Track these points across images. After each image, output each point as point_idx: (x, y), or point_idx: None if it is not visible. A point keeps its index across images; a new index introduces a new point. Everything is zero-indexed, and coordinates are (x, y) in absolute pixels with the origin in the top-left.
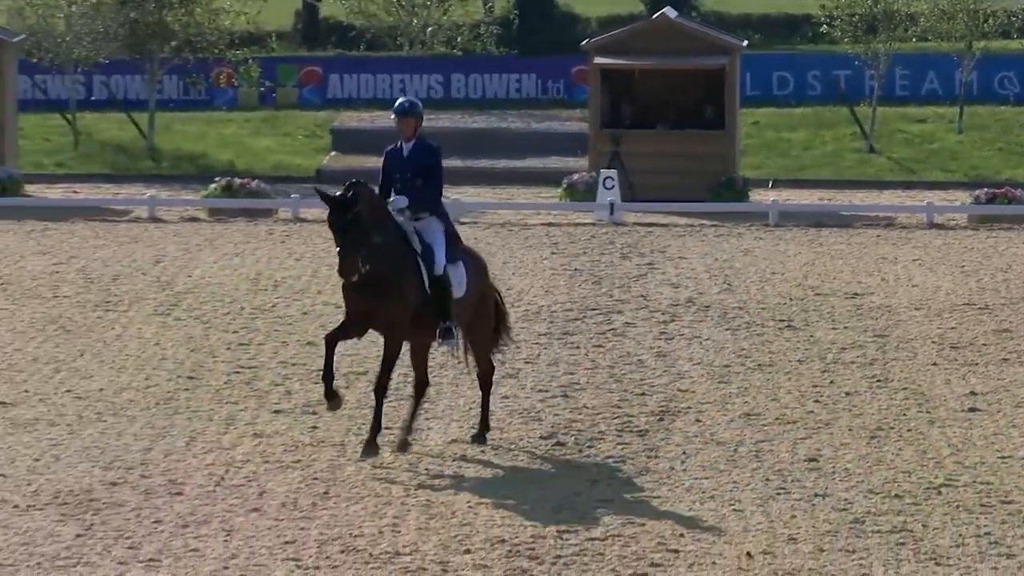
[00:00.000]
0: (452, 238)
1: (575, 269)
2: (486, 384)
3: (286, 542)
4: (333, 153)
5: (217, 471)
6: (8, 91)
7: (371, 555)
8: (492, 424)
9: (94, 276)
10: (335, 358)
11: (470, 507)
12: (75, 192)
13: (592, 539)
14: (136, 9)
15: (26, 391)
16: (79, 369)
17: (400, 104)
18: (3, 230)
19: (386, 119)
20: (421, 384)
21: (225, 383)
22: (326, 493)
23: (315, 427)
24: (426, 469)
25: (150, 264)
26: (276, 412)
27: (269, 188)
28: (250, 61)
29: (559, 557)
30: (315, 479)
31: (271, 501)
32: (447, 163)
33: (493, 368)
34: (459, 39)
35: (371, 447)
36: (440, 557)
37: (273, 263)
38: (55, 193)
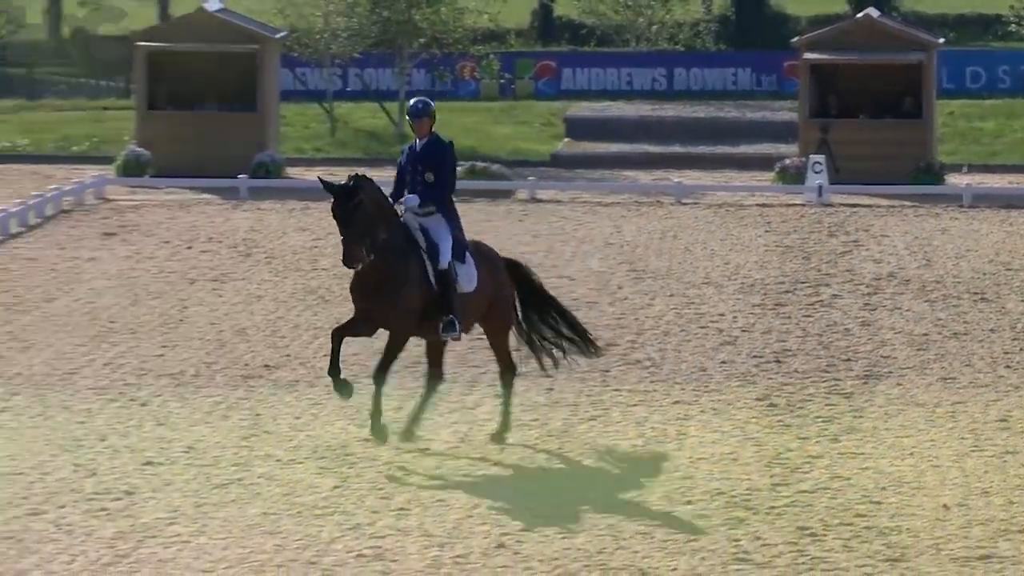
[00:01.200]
0: (459, 235)
1: (786, 246)
2: (507, 383)
3: (524, 493)
4: (566, 140)
5: (461, 429)
6: (271, 83)
7: (602, 506)
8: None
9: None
10: (340, 354)
11: (691, 462)
12: (332, 174)
13: (802, 492)
14: (388, 8)
15: (288, 355)
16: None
17: (414, 106)
18: (267, 209)
19: (615, 109)
20: (435, 378)
21: (468, 349)
22: (560, 449)
23: (550, 389)
24: (652, 428)
25: None
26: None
27: (508, 171)
28: (491, 56)
29: (772, 508)
30: (550, 436)
31: (510, 457)
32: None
33: (514, 366)
34: (681, 36)
35: (376, 429)
36: (664, 507)
37: (512, 240)
38: (314, 175)
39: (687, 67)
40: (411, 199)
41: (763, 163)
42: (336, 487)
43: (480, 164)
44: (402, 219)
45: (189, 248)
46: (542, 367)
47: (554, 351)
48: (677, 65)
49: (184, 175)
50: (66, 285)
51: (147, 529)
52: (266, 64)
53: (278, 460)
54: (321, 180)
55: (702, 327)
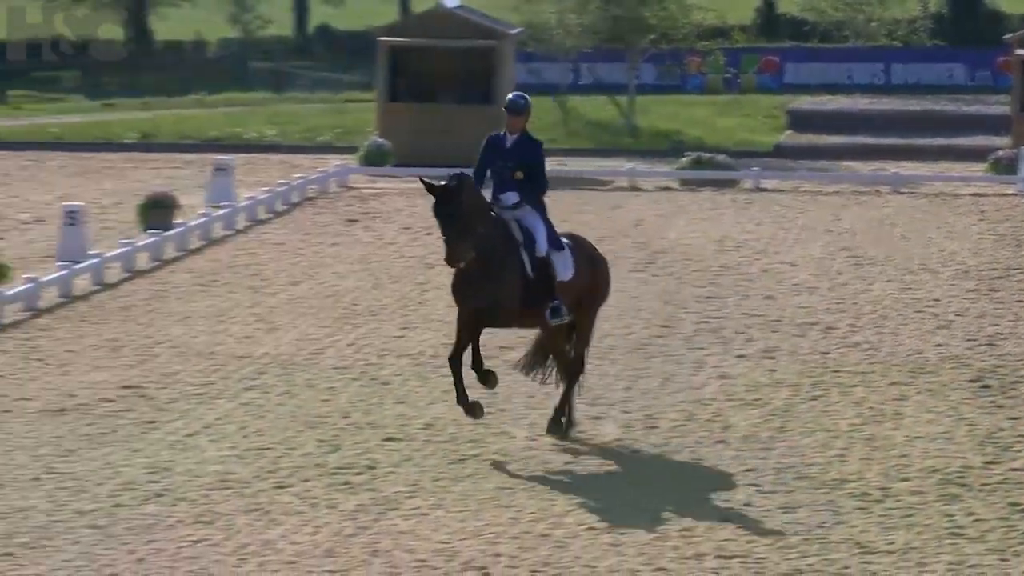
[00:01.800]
0: (550, 227)
1: (999, 234)
2: (571, 375)
3: (747, 470)
4: (788, 132)
5: (687, 408)
6: (507, 77)
7: (821, 482)
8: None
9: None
10: (463, 377)
11: (907, 441)
12: (564, 164)
13: (1014, 469)
14: (619, 6)
15: (522, 336)
16: None
17: (515, 100)
18: None
19: (836, 102)
20: (568, 370)
21: (694, 331)
22: (782, 428)
23: (773, 370)
24: (869, 408)
25: (629, 227)
26: (739, 356)
27: (733, 161)
28: (717, 51)
29: (985, 485)
30: (772, 415)
31: (734, 434)
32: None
33: (582, 362)
34: (898, 32)
35: (470, 409)
36: (881, 484)
37: (736, 227)
38: (547, 165)
39: (904, 62)
40: (509, 196)
41: (977, 155)
42: (568, 463)
43: (706, 155)
44: (497, 213)
45: (428, 234)
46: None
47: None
48: (895, 60)
49: (423, 164)
50: (311, 269)
51: (388, 502)
52: (502, 59)
53: (513, 437)
54: (422, 180)
55: (918, 311)
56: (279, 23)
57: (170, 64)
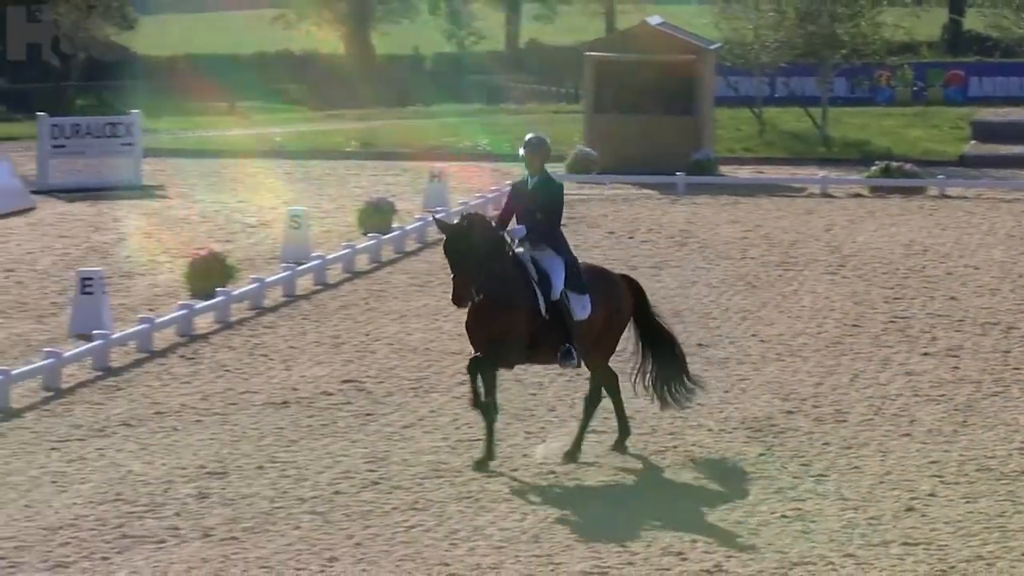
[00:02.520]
0: (574, 267)
1: None
2: (612, 391)
3: (931, 462)
4: (972, 142)
5: (875, 403)
6: (707, 90)
7: (1002, 473)
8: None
9: (775, 241)
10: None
11: None
12: (760, 172)
13: None
14: (813, 23)
15: (719, 335)
16: (762, 317)
17: (530, 140)
18: (701, 203)
19: (1018, 114)
20: (605, 386)
21: (882, 330)
22: (964, 422)
23: (956, 367)
24: None
25: (821, 232)
26: (924, 354)
27: (919, 170)
28: (905, 66)
29: None
30: (956, 410)
31: (919, 428)
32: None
33: (614, 375)
34: None
35: (484, 461)
36: None
37: (923, 232)
38: (744, 172)
39: None
40: (518, 230)
41: None
42: (761, 455)
43: (894, 164)
44: (513, 252)
45: (631, 238)
46: (635, 392)
47: (648, 384)
48: None
49: (627, 172)
50: None
51: (591, 491)
52: (702, 72)
53: (709, 430)
54: (435, 219)
55: None
56: (492, 39)
57: (389, 77)
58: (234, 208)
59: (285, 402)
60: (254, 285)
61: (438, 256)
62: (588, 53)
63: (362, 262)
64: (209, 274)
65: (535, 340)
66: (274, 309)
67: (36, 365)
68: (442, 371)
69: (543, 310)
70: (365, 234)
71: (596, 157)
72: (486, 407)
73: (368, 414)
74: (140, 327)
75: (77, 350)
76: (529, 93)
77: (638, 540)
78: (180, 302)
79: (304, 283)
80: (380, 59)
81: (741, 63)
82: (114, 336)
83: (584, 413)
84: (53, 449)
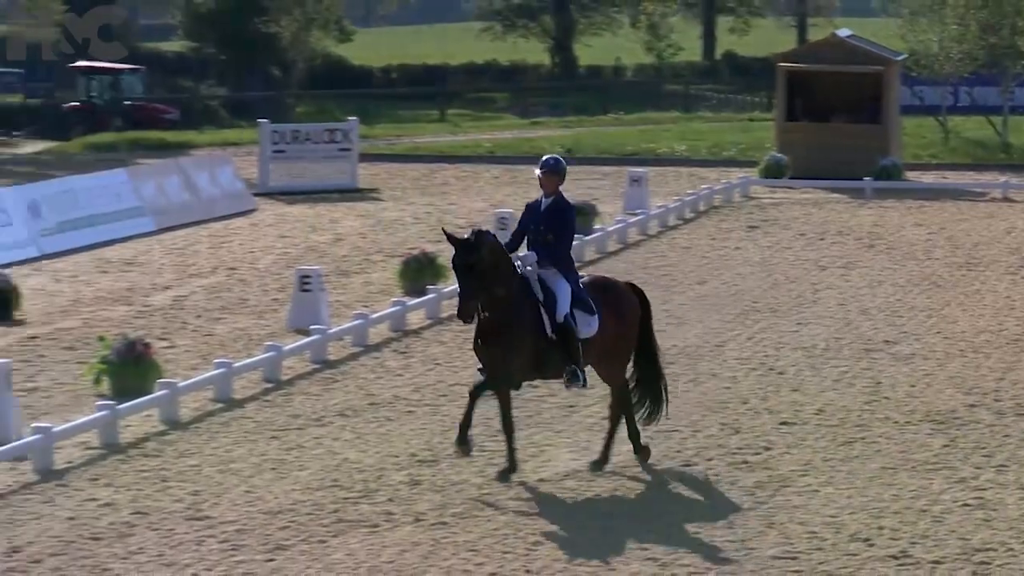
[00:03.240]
0: (578, 290)
1: None
2: (614, 412)
3: None
4: None
5: None
6: (894, 99)
7: None
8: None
9: (959, 243)
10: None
11: None
12: (944, 177)
13: None
14: (995, 35)
15: (904, 332)
16: (946, 315)
17: (546, 161)
18: (889, 207)
19: None
20: (620, 399)
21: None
22: None
23: None
24: None
25: (1002, 234)
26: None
27: None
28: None
29: None
30: None
31: None
32: None
33: (629, 393)
34: None
35: (506, 474)
36: None
37: None
38: (928, 178)
39: None
40: (530, 256)
41: None
42: (945, 446)
43: None
44: (521, 271)
45: (821, 239)
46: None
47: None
48: None
49: (817, 177)
50: (715, 270)
51: (782, 479)
52: (889, 82)
53: (895, 422)
54: (445, 232)
55: None
56: (689, 50)
57: (591, 87)
58: (444, 210)
59: (491, 393)
60: None
61: (638, 256)
62: (780, 64)
63: None
64: (420, 272)
65: (541, 361)
66: None
67: (258, 358)
68: None
69: (549, 331)
70: None
71: (787, 162)
72: (462, 441)
73: (571, 406)
74: (355, 322)
75: (296, 344)
76: (724, 102)
77: (828, 527)
78: (393, 299)
79: None
80: (583, 69)
81: (926, 73)
82: (331, 331)
83: (610, 422)
84: (273, 438)
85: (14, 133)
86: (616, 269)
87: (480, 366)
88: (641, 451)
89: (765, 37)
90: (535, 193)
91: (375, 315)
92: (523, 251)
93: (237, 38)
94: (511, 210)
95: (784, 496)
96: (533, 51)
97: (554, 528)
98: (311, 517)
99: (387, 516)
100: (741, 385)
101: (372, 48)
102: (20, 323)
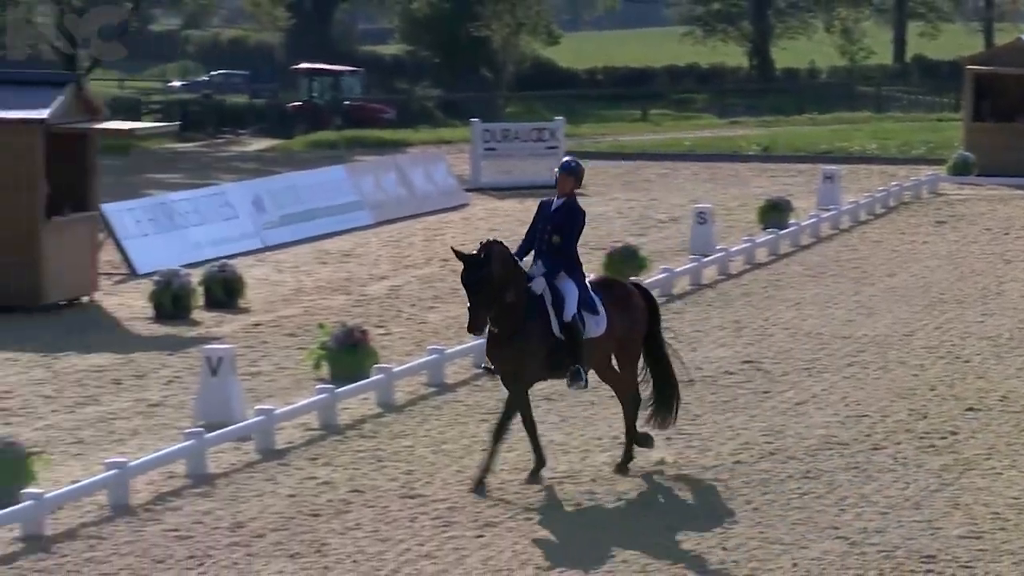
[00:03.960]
0: (584, 291)
1: None
2: (628, 410)
3: None
4: None
5: None
6: None
7: None
8: None
9: None
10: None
11: None
12: None
13: None
14: None
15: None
16: None
17: (567, 163)
18: None
19: None
20: (629, 398)
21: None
22: None
23: None
24: None
25: None
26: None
27: None
28: None
29: None
30: None
31: None
32: None
33: (638, 394)
34: None
35: (478, 485)
36: None
37: None
38: None
39: None
40: (537, 268)
41: None
42: None
43: None
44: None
45: (1006, 234)
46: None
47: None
48: None
49: (1003, 175)
50: (904, 263)
51: (967, 463)
52: None
53: None
54: (454, 250)
55: None
56: (881, 54)
57: (787, 88)
58: (646, 205)
59: (691, 380)
60: (664, 275)
61: (831, 250)
62: (968, 67)
63: (761, 254)
64: (624, 264)
65: (551, 361)
66: (681, 296)
67: (468, 345)
68: (833, 353)
69: (557, 331)
70: (764, 229)
71: (974, 160)
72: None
73: (765, 392)
74: None
75: None
76: (913, 103)
77: (1012, 508)
78: None
79: (709, 273)
80: (779, 72)
81: None
82: None
83: (626, 415)
84: (483, 420)
85: (240, 131)
86: (810, 262)
87: (490, 366)
88: (628, 456)
89: (954, 41)
90: (733, 189)
91: None
92: (540, 257)
93: (451, 42)
94: (710, 205)
95: (969, 478)
96: (732, 54)
97: (748, 508)
98: (518, 496)
99: (590, 496)
100: (928, 373)
101: (578, 52)
102: (245, 311)
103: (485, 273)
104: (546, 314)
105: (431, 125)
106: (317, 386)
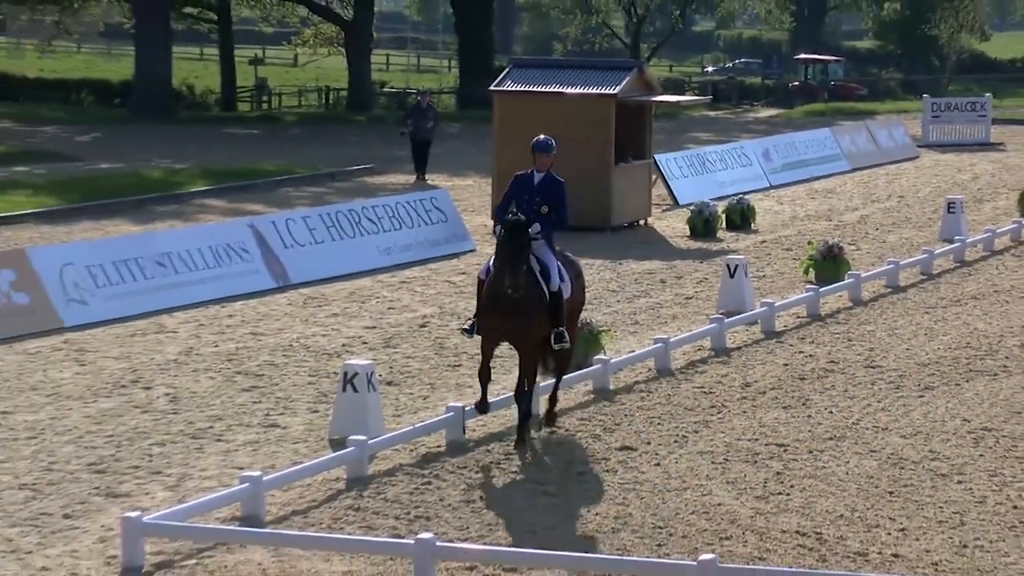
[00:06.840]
0: (558, 261)
1: None
2: (564, 366)
3: None
4: None
5: None
6: None
7: None
8: None
9: None
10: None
11: None
12: None
13: None
14: None
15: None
16: None
17: (545, 142)
18: None
19: None
20: (559, 367)
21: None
22: None
23: None
24: None
25: None
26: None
27: None
28: None
29: None
30: None
31: None
32: None
33: (568, 361)
34: None
35: (523, 442)
36: None
37: None
38: None
39: None
40: (535, 227)
41: None
42: None
43: None
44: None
45: None
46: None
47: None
48: None
49: None
50: None
51: None
52: None
53: None
54: (498, 219)
55: None
56: None
57: None
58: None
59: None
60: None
61: None
62: None
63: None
64: None
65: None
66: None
67: (916, 258)
68: None
69: (547, 297)
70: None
71: None
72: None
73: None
74: (984, 235)
75: (941, 250)
76: None
77: None
78: (1012, 219)
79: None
80: None
81: None
82: (968, 240)
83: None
84: (926, 312)
85: (754, 103)
86: None
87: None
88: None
89: None
90: None
91: (1000, 230)
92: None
93: (910, 38)
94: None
95: None
96: None
97: None
98: (951, 367)
99: (1003, 368)
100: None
101: (1004, 46)
102: (755, 232)
103: (527, 238)
104: (539, 283)
105: (893, 99)
106: (806, 286)
